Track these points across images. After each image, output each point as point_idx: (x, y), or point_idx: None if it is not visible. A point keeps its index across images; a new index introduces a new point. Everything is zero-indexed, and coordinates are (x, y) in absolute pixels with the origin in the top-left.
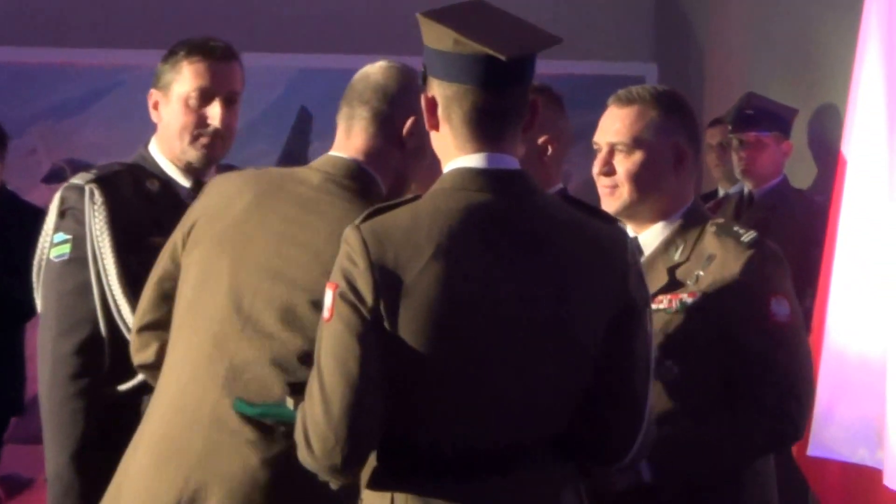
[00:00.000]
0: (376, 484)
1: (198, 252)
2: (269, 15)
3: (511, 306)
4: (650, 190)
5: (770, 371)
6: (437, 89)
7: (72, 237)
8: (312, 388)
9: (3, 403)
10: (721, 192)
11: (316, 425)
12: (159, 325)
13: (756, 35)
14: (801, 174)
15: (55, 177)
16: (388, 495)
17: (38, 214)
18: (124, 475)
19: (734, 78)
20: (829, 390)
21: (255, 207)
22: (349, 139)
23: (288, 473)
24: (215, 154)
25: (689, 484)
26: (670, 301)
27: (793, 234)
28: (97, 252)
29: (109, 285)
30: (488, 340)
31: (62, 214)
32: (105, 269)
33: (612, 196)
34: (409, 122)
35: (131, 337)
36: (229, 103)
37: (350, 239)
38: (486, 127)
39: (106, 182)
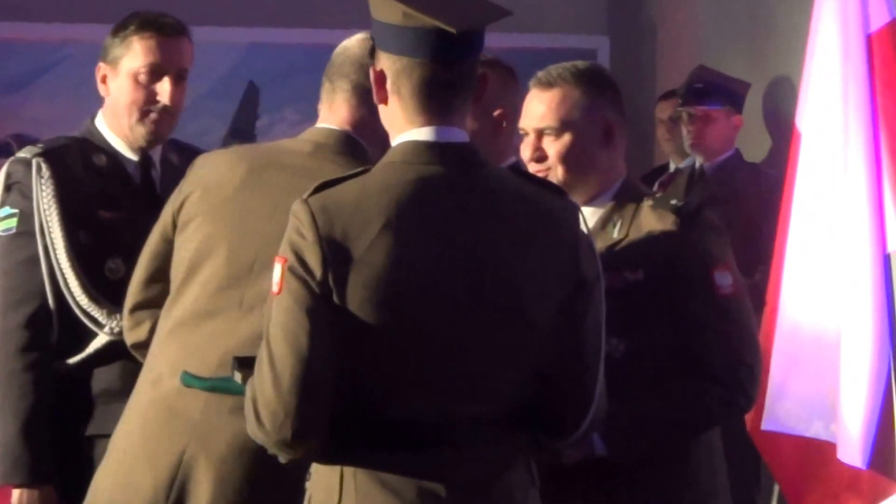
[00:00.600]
0: (326, 457)
1: (194, 226)
2: None
3: (461, 280)
4: (583, 169)
5: (719, 342)
6: (386, 62)
7: (18, 211)
8: (262, 363)
9: None
10: (672, 167)
11: (266, 399)
12: (151, 304)
13: (709, 8)
14: (755, 147)
15: (1, 151)
16: (337, 469)
17: None
18: (120, 435)
19: (687, 51)
20: (784, 364)
21: (250, 179)
22: (332, 112)
23: None
24: (163, 130)
25: (641, 455)
26: (612, 279)
27: (744, 207)
28: (45, 226)
29: (57, 259)
30: (437, 314)
31: (8, 189)
32: (53, 243)
33: None
34: None
35: (123, 316)
36: (179, 80)
37: (298, 212)
38: (435, 100)
39: (53, 156)
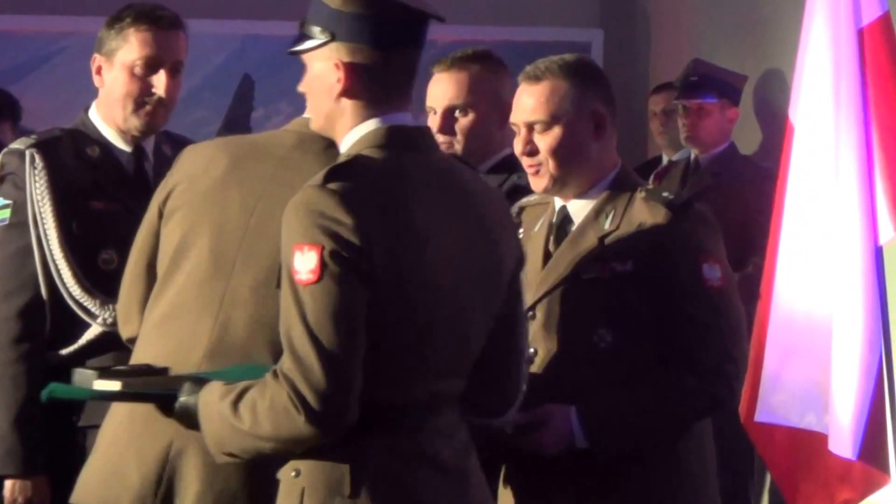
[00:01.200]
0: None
1: (177, 218)
2: None
3: (470, 261)
4: (575, 162)
5: (705, 335)
6: (345, 52)
7: (12, 202)
8: (305, 350)
9: None
10: (665, 160)
11: (316, 384)
12: (144, 298)
13: (703, 0)
14: (748, 140)
15: None
16: (342, 460)
17: None
18: (108, 428)
19: (681, 44)
20: (778, 356)
21: (233, 170)
22: None
23: None
24: (157, 122)
25: (623, 447)
26: (602, 269)
27: (738, 199)
28: (38, 217)
29: (50, 250)
30: (455, 292)
31: (2, 180)
32: (46, 234)
33: (539, 175)
34: None
35: (118, 310)
36: (174, 72)
37: (321, 199)
38: (393, 87)
39: (46, 147)
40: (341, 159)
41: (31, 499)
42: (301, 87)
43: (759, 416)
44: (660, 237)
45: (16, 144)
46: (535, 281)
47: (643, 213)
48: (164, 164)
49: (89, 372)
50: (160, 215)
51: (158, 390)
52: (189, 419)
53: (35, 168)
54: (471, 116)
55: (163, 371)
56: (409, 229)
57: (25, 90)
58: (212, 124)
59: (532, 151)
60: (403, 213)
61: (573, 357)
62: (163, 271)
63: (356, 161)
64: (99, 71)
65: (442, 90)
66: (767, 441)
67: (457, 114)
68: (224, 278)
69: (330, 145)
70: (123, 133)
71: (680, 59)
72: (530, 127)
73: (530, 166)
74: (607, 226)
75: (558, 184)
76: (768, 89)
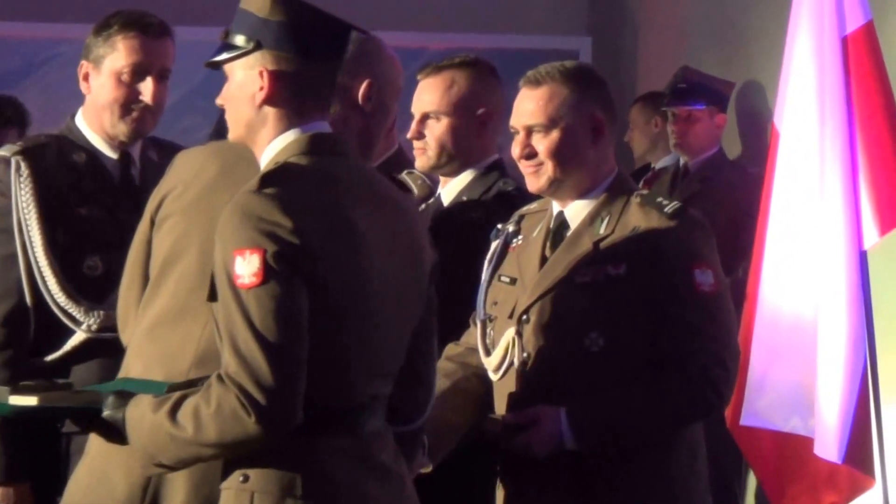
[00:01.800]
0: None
1: (168, 225)
2: None
3: (399, 264)
4: (573, 165)
5: (695, 340)
6: (270, 60)
7: None
8: (251, 351)
9: None
10: (653, 165)
11: (264, 383)
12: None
13: (690, 8)
14: (732, 146)
15: None
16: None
17: None
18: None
19: (668, 51)
20: (763, 360)
21: (222, 177)
22: None
23: None
24: (144, 128)
25: (612, 449)
26: (596, 273)
27: (726, 205)
28: (23, 224)
29: (35, 257)
30: (387, 294)
31: None
32: (31, 241)
33: (537, 174)
34: (363, 86)
35: (117, 317)
36: (161, 79)
37: (258, 205)
38: (315, 96)
39: (32, 154)
40: (271, 166)
41: None
42: (220, 99)
43: (745, 420)
44: (654, 242)
45: (2, 151)
46: (531, 284)
47: (638, 218)
48: (150, 170)
49: (2, 388)
50: (152, 223)
51: (80, 405)
52: (114, 433)
53: (20, 175)
54: (443, 122)
55: (67, 387)
56: (346, 231)
57: (18, 96)
58: (202, 130)
59: (530, 154)
60: (339, 216)
61: (565, 360)
62: (153, 278)
63: (287, 167)
64: (86, 77)
65: (418, 97)
66: (753, 444)
67: (429, 120)
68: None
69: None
70: (110, 139)
71: (667, 66)
72: (529, 130)
73: (528, 167)
74: (602, 230)
75: (554, 185)
76: (753, 96)
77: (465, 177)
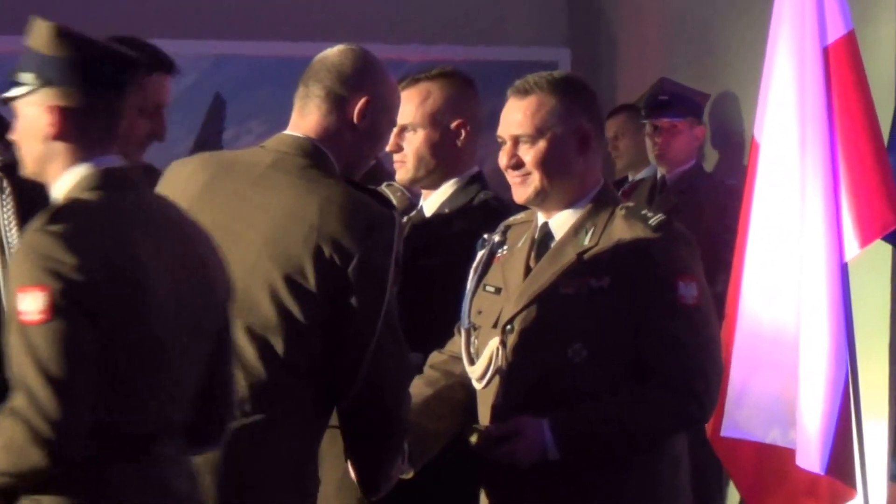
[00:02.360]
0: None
1: None
2: (185, 1)
3: (185, 290)
4: (559, 176)
5: (678, 352)
6: (55, 96)
7: None
8: (36, 386)
9: None
10: (630, 178)
11: (51, 416)
12: None
13: (669, 20)
14: (707, 158)
15: None
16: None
17: None
18: None
19: (647, 63)
20: (743, 371)
21: (209, 189)
22: (303, 118)
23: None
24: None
25: (594, 460)
26: (580, 285)
27: (705, 217)
28: (4, 241)
29: None
30: (182, 328)
31: None
32: (12, 257)
33: (524, 184)
34: (360, 103)
35: None
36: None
37: (42, 242)
38: (102, 129)
39: (13, 170)
40: (59, 203)
41: None
42: (13, 135)
43: (725, 431)
44: (638, 254)
45: None
46: (515, 294)
47: (623, 230)
48: None
49: None
50: None
51: None
52: None
53: (2, 192)
54: (419, 134)
55: None
56: (131, 264)
57: (6, 109)
58: (183, 143)
59: (517, 164)
60: (125, 250)
61: (548, 370)
62: None
63: (74, 204)
64: None
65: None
66: (733, 456)
67: (406, 132)
68: None
69: (308, 165)
70: None
71: (646, 78)
72: (516, 140)
73: (515, 177)
74: (587, 242)
75: (541, 196)
76: (728, 107)
77: (447, 189)
